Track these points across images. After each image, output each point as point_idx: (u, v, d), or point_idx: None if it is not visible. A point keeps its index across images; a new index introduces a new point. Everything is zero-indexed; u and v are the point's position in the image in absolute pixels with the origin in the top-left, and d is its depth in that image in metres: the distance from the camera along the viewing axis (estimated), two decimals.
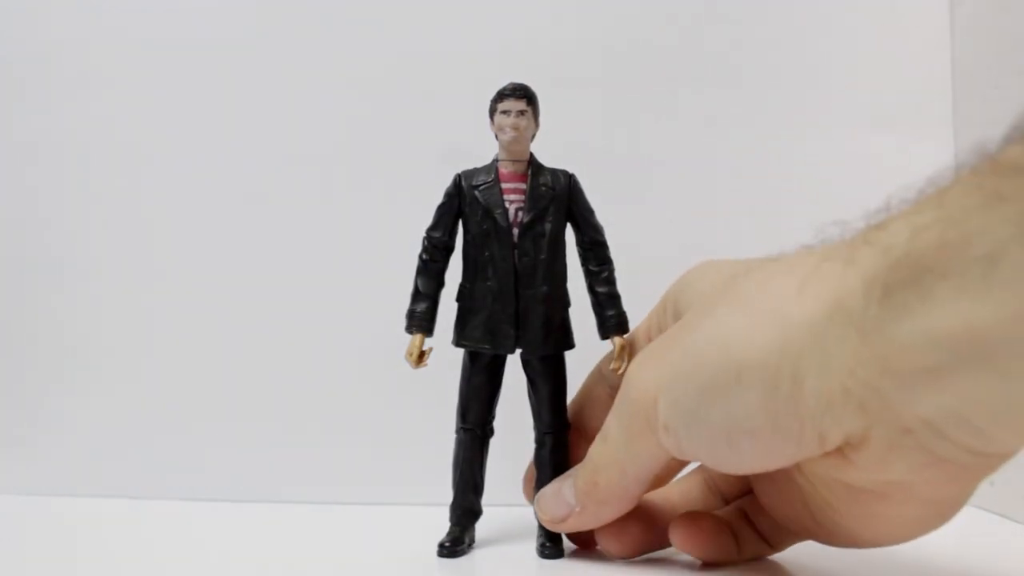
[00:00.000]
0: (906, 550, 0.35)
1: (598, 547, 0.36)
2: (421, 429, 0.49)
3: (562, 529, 0.34)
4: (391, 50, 0.51)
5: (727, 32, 0.50)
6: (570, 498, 0.33)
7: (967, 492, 0.26)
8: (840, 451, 0.25)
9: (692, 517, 0.34)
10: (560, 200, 0.37)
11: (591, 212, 0.38)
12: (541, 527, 0.36)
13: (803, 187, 0.50)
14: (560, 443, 0.37)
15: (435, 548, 0.37)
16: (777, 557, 0.35)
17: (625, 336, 0.37)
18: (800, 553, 0.36)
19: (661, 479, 0.36)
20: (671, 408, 0.28)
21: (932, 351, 0.21)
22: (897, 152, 0.49)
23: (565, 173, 0.38)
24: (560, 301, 0.37)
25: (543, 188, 0.37)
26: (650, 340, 0.35)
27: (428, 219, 0.49)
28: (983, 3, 0.47)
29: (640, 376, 0.30)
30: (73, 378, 0.51)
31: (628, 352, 0.36)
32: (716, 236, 0.49)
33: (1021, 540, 0.40)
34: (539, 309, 0.36)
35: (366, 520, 0.44)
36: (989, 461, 0.24)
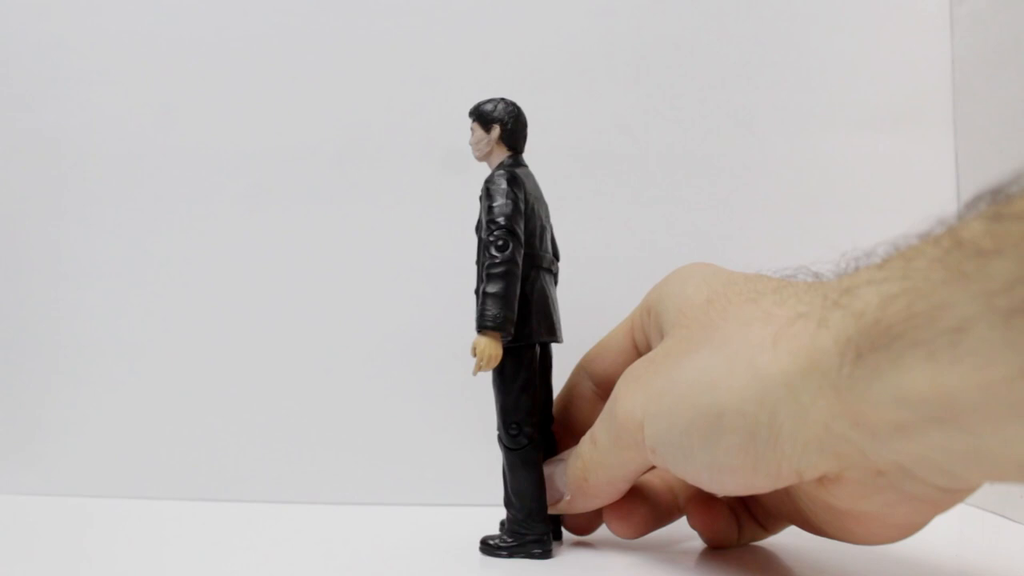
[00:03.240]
0: (905, 550, 0.35)
1: (590, 533, 0.38)
2: (423, 429, 0.49)
3: (556, 511, 0.36)
4: (392, 51, 0.51)
5: (726, 32, 0.50)
6: (560, 486, 0.36)
7: (936, 516, 0.28)
8: (818, 481, 0.27)
9: (706, 503, 0.36)
10: (480, 202, 0.37)
11: (486, 209, 0.36)
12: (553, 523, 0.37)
13: (802, 187, 0.50)
14: (503, 449, 0.36)
15: (435, 548, 0.37)
16: (777, 551, 0.36)
17: (484, 336, 0.34)
18: (799, 549, 0.36)
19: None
20: (656, 439, 0.30)
21: (904, 409, 0.22)
22: (897, 152, 0.50)
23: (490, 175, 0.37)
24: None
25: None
26: (633, 340, 0.37)
27: (428, 220, 0.49)
28: (983, 3, 0.47)
29: (627, 398, 0.32)
30: (73, 378, 0.51)
31: (481, 357, 0.34)
32: (716, 236, 0.49)
33: (1021, 540, 0.40)
34: None
35: (367, 520, 0.44)
36: (958, 495, 0.26)
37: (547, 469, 0.36)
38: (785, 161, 0.50)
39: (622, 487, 0.34)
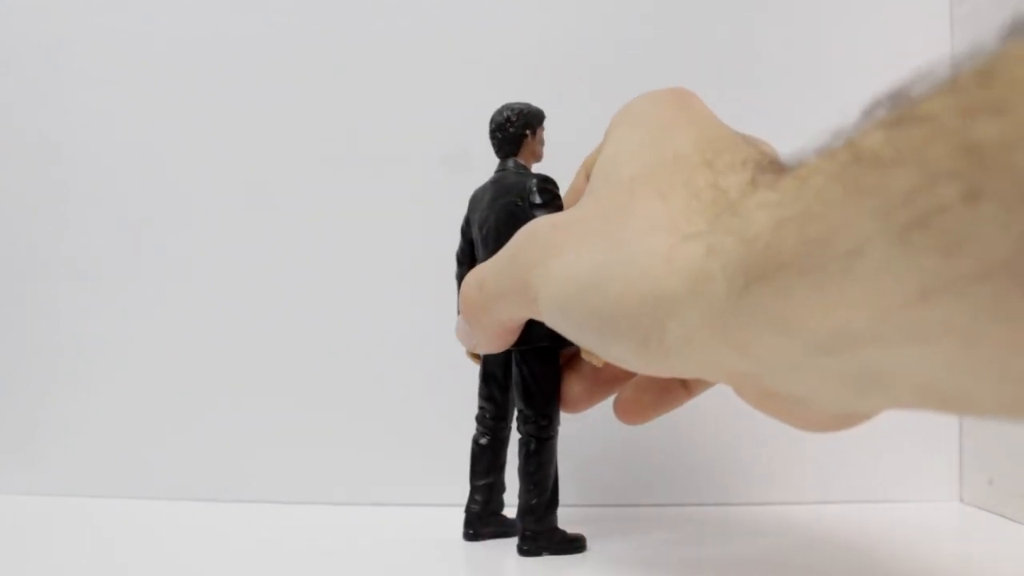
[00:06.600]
0: (906, 549, 0.35)
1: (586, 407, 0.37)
2: (424, 430, 0.49)
3: (476, 352, 0.37)
4: (393, 51, 0.51)
5: (726, 32, 0.50)
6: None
7: (844, 429, 0.26)
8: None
9: (631, 392, 0.36)
10: None
11: None
12: (522, 526, 0.36)
13: None
14: None
15: (436, 548, 0.37)
16: (776, 557, 0.35)
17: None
18: (801, 552, 0.36)
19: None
20: (550, 319, 0.30)
21: (793, 342, 0.21)
22: None
23: None
24: None
25: None
26: (588, 170, 0.36)
27: (427, 218, 0.49)
28: (983, 3, 0.47)
29: (526, 262, 0.31)
30: (73, 378, 0.51)
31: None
32: None
33: (1021, 540, 0.40)
34: None
35: (367, 520, 0.44)
36: (857, 418, 0.25)
37: (462, 320, 0.36)
38: None
39: (514, 329, 0.34)
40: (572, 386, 0.37)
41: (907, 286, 0.17)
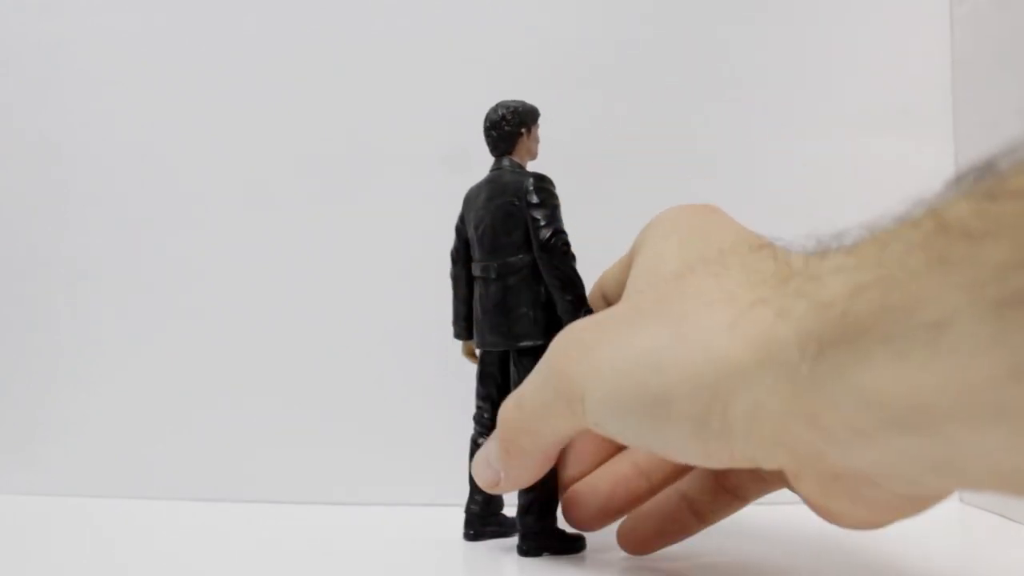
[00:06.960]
0: (905, 549, 0.35)
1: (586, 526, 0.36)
2: (425, 430, 0.49)
3: (497, 491, 0.34)
4: (393, 51, 0.51)
5: (727, 32, 0.50)
6: (495, 463, 0.33)
7: (898, 520, 0.26)
8: (778, 471, 0.25)
9: (632, 522, 0.35)
10: None
11: None
12: (522, 525, 0.36)
13: (803, 187, 0.50)
14: None
15: (438, 548, 0.37)
16: (776, 556, 0.35)
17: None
18: (801, 552, 0.36)
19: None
20: (598, 415, 0.28)
21: (868, 413, 0.20)
22: (897, 152, 0.49)
23: None
24: None
25: None
26: (605, 288, 0.35)
27: (427, 217, 0.49)
28: (983, 3, 0.47)
29: (566, 365, 0.29)
30: (73, 378, 0.51)
31: None
32: None
33: (1021, 540, 0.40)
34: None
35: (367, 521, 0.44)
36: (923, 503, 0.24)
37: (485, 450, 0.33)
38: (784, 162, 0.50)
39: (553, 453, 0.32)
40: (584, 509, 0.35)
41: (998, 363, 0.17)
